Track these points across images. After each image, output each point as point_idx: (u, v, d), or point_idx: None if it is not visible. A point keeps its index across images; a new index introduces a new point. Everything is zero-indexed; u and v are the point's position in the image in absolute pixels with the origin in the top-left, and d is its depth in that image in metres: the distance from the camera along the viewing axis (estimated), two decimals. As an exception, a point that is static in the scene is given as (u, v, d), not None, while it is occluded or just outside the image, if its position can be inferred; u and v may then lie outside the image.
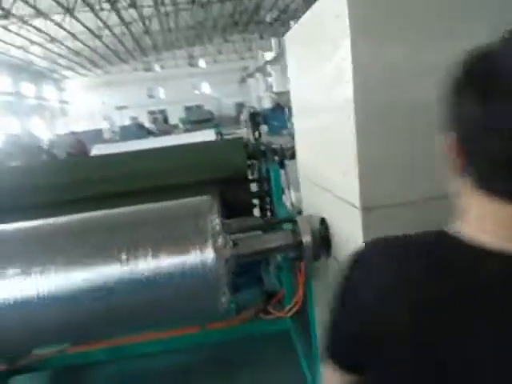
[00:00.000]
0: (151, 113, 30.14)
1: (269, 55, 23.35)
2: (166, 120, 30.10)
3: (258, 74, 27.67)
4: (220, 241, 1.14)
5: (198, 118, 24.37)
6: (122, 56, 24.92)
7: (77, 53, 20.76)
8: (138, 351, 2.23)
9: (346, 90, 1.11)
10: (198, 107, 30.93)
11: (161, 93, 31.11)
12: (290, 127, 15.91)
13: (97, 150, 3.58)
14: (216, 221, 1.18)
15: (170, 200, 2.29)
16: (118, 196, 2.22)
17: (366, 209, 1.08)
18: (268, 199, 2.34)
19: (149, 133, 17.37)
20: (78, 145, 9.64)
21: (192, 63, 29.04)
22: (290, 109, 13.91)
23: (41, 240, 1.24)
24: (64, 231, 1.30)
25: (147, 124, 22.42)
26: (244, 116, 21.18)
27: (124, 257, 1.13)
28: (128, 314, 1.18)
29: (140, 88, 29.74)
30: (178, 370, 2.19)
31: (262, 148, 2.34)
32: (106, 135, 14.63)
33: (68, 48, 19.27)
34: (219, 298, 1.16)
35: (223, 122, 23.70)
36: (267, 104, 21.28)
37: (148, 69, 28.79)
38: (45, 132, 24.83)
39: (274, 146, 2.40)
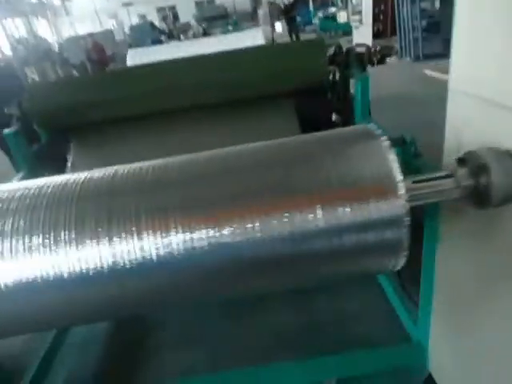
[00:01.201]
0: (160, 10, 27.65)
1: None
2: (176, 17, 27.73)
3: (276, -40, 24.41)
4: (403, 185, 0.86)
5: (212, 15, 22.37)
6: None
7: None
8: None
9: None
10: (210, 2, 28.16)
11: (169, -15, 28.10)
12: (317, 23, 14.47)
13: (132, 57, 3.16)
14: (394, 158, 0.89)
15: (244, 113, 1.99)
16: (189, 110, 1.93)
17: None
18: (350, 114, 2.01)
19: (160, 32, 16.10)
20: (96, 49, 8.84)
21: None
22: (315, 1, 12.45)
23: (133, 189, 0.96)
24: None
25: (157, 23, 20.69)
26: (263, 10, 19.26)
27: (281, 210, 0.88)
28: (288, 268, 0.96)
29: (146, -20, 26.81)
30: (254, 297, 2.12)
31: (344, 52, 1.93)
32: (118, 37, 13.53)
33: None
34: (400, 255, 0.92)
35: (238, 19, 21.72)
36: (289, -4, 19.13)
37: (153, -43, 25.63)
38: (49, 34, 23.30)
39: (359, 50, 1.99)
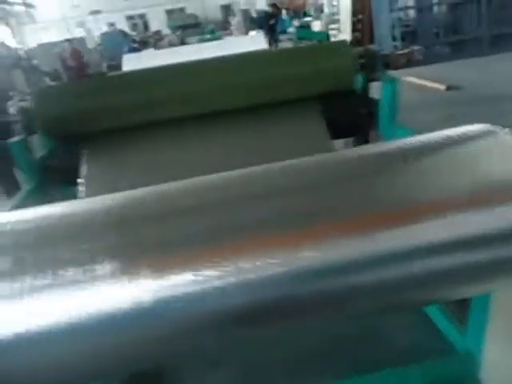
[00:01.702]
0: (129, 18, 27.23)
1: None
2: (146, 26, 27.38)
3: (246, -30, 24.64)
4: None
5: (184, 23, 22.29)
6: None
7: None
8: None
9: None
10: (181, 11, 28.05)
11: (137, -7, 27.73)
12: (293, 32, 14.59)
13: (128, 62, 3.01)
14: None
15: (268, 119, 1.89)
16: (210, 115, 1.82)
17: None
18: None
19: (133, 41, 15.80)
20: (75, 55, 8.40)
21: (171, -44, 25.55)
22: (288, 10, 12.63)
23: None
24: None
25: (127, 31, 20.33)
26: (237, 19, 19.38)
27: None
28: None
29: (114, -12, 26.35)
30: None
31: (370, 55, 1.89)
32: (90, 45, 13.13)
33: None
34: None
35: (207, 27, 21.72)
36: (262, 6, 19.29)
37: (121, -36, 25.27)
38: (13, 42, 22.47)
39: (385, 53, 1.94)
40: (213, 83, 1.80)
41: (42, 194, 1.82)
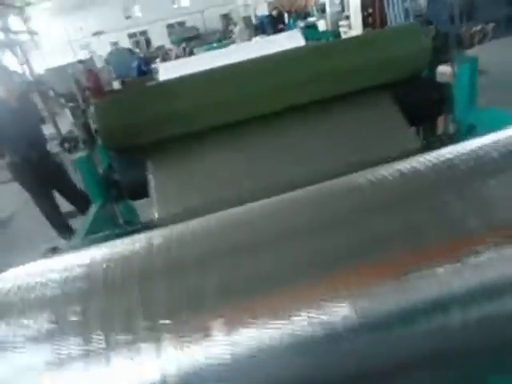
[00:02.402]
0: (131, 36, 27.58)
1: (256, -48, 20.75)
2: (148, 42, 27.71)
3: (243, -22, 24.83)
4: None
5: (185, 36, 22.57)
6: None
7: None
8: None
9: None
10: (181, 24, 28.34)
11: (137, 11, 28.12)
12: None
13: (165, 71, 2.94)
14: None
15: (340, 114, 1.78)
16: (279, 113, 1.72)
17: None
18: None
19: (139, 58, 15.98)
20: (92, 76, 8.43)
21: (167, -27, 25.91)
22: (290, 14, 12.68)
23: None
24: None
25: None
26: (239, 26, 19.50)
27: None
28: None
29: (115, 9, 26.72)
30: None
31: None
32: (99, 64, 13.27)
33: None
34: None
35: (210, 37, 21.89)
36: (263, 11, 19.37)
37: (119, -16, 25.66)
38: (20, 68, 22.88)
39: (458, 32, 1.83)
40: (275, 81, 1.70)
41: (111, 209, 1.74)
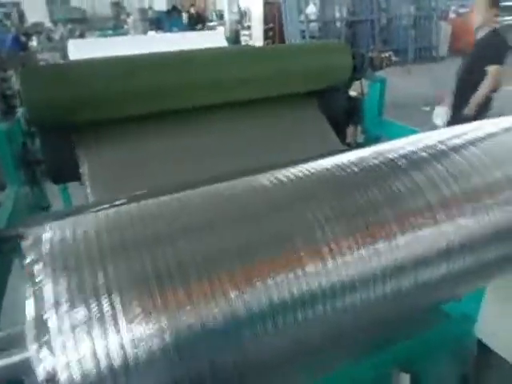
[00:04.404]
0: (1, 5, 23.77)
1: None
2: (22, 17, 24.22)
3: (139, -33, 23.70)
4: None
5: (70, 17, 20.47)
6: None
7: None
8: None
9: None
10: (64, 2, 25.56)
11: (10, -22, 24.40)
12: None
13: (76, 50, 2.70)
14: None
15: (272, 112, 1.86)
16: (217, 107, 1.76)
17: None
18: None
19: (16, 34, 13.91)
20: None
21: None
22: (189, 13, 12.64)
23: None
24: None
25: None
26: (134, 17, 18.58)
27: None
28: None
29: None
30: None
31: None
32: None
33: None
34: None
35: (99, 24, 20.36)
36: (161, 6, 18.78)
37: None
38: None
39: (372, 55, 2.13)
40: (210, 75, 1.73)
41: (31, 194, 1.55)
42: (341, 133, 2.25)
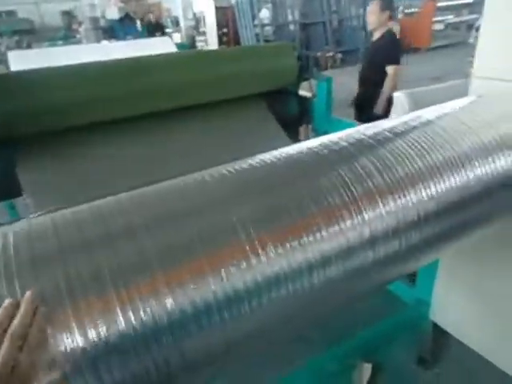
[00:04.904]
0: None
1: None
2: (-36, 29, 22.98)
3: (89, -24, 23.14)
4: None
5: (16, 28, 19.63)
6: None
7: None
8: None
9: None
10: (10, 14, 24.51)
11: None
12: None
13: (17, 61, 2.59)
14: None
15: (222, 113, 1.85)
16: (167, 112, 1.74)
17: None
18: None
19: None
20: None
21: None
22: (143, 21, 12.36)
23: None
24: None
25: None
26: (85, 26, 18.09)
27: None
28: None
29: None
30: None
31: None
32: None
33: None
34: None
35: (48, 34, 19.67)
36: (113, 15, 18.37)
37: None
38: None
39: (317, 55, 2.18)
40: (151, 81, 1.71)
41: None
42: (293, 132, 2.29)
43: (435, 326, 1.81)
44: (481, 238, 1.34)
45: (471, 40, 8.62)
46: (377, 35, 3.21)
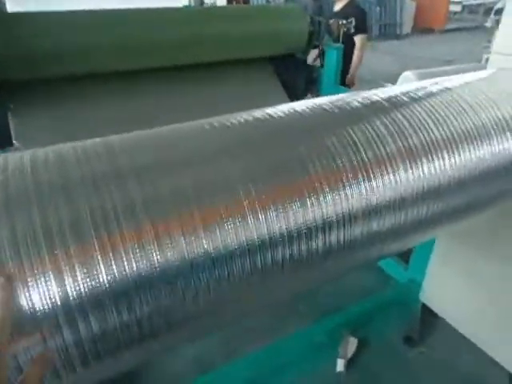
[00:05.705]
0: None
1: None
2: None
3: None
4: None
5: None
6: None
7: None
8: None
9: None
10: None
11: None
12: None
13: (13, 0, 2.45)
14: None
15: (224, 75, 1.77)
16: (166, 69, 1.66)
17: None
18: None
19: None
20: None
21: None
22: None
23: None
24: None
25: None
26: None
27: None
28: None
29: None
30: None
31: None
32: None
33: None
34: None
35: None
36: None
37: None
38: None
39: (330, 21, 2.08)
40: (168, 35, 1.64)
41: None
42: (298, 100, 2.22)
43: (424, 306, 1.82)
44: (476, 223, 1.32)
45: (488, 24, 8.33)
46: (339, 5, 3.08)
